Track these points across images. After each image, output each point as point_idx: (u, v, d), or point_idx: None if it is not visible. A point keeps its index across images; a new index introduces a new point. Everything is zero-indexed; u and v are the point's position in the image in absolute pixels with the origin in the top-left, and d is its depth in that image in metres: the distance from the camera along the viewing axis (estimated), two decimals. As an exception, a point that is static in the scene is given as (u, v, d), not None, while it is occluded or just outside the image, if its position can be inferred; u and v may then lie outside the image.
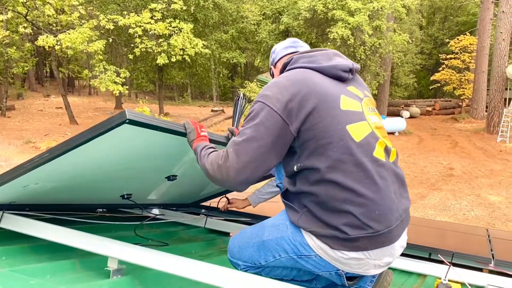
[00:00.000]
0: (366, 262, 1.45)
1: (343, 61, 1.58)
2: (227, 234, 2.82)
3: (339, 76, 1.55)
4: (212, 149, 1.60)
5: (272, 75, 1.88)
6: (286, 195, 1.60)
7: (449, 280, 1.98)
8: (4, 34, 14.99)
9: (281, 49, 1.82)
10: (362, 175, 1.41)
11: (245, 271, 1.64)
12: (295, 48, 1.79)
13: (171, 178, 2.31)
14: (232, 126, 2.04)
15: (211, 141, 1.76)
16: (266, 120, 1.41)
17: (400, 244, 1.51)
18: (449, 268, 2.06)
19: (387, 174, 1.47)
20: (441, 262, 2.25)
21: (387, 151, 1.52)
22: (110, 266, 1.72)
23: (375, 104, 1.69)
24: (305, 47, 1.82)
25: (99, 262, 1.80)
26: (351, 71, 1.58)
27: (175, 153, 2.05)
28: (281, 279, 1.64)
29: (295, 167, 1.48)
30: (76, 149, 1.57)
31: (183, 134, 1.74)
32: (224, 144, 1.97)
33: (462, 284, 1.99)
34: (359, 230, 1.39)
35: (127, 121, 1.44)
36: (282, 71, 1.65)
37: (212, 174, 1.48)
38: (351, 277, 1.59)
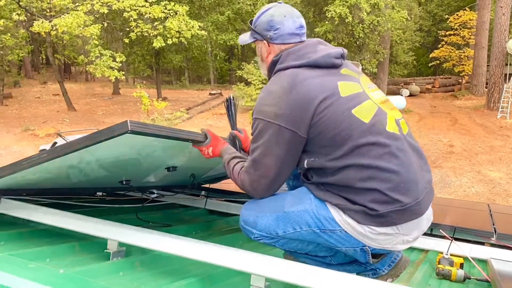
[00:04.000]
0: (395, 237, 1.44)
1: (332, 48, 1.57)
2: (227, 215, 2.81)
3: (332, 64, 1.52)
4: (238, 161, 1.63)
5: (254, 38, 1.69)
6: (304, 176, 1.58)
7: (451, 255, 1.97)
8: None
9: (286, 33, 1.60)
10: (380, 151, 1.39)
11: (259, 240, 1.60)
12: (299, 37, 1.61)
13: (170, 169, 2.27)
14: (232, 129, 2.00)
15: None
16: (274, 136, 1.43)
17: (427, 217, 1.50)
18: (451, 242, 2.05)
19: (405, 147, 1.46)
20: (443, 237, 2.24)
21: (398, 123, 1.50)
22: (109, 248, 1.71)
23: (370, 80, 1.67)
24: (305, 32, 1.67)
25: (99, 245, 1.79)
26: (342, 56, 1.57)
27: (177, 153, 2.02)
28: (295, 252, 1.63)
29: (305, 163, 1.48)
30: (75, 152, 1.54)
31: (186, 140, 1.70)
32: None
33: (465, 258, 1.99)
34: (387, 205, 1.38)
35: (129, 131, 1.39)
36: (271, 67, 1.61)
37: (247, 192, 1.58)
38: (375, 255, 1.58)
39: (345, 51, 1.60)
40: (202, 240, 1.66)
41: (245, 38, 1.73)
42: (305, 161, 1.48)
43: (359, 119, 1.41)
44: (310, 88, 1.43)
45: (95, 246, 1.82)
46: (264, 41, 1.64)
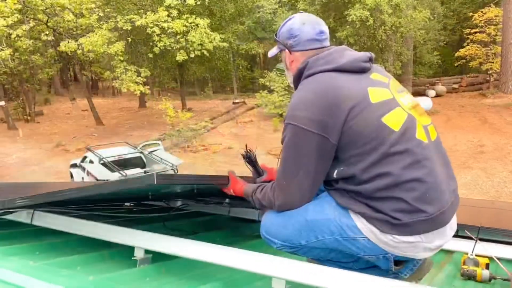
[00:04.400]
0: (417, 245, 1.42)
1: (360, 53, 1.55)
2: (251, 222, 2.85)
3: (361, 68, 1.50)
4: (260, 187, 1.63)
5: (278, 49, 1.71)
6: (327, 183, 1.56)
7: (476, 255, 1.94)
8: (28, 43, 15.37)
9: (305, 40, 1.61)
10: (409, 160, 1.38)
11: (280, 249, 1.60)
12: (320, 42, 1.61)
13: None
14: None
15: None
16: (305, 143, 1.42)
17: (451, 226, 1.47)
18: (475, 243, 2.02)
19: (432, 155, 1.44)
20: (468, 237, 2.21)
21: (426, 130, 1.48)
22: (136, 256, 1.78)
23: (399, 83, 1.63)
24: (327, 38, 1.67)
25: (127, 252, 1.86)
26: (370, 60, 1.55)
27: None
28: (317, 259, 1.63)
29: (334, 174, 1.47)
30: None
31: (210, 185, 1.81)
32: None
33: (490, 258, 1.95)
34: (412, 214, 1.37)
35: (155, 183, 1.45)
36: (298, 76, 1.60)
37: (283, 205, 1.54)
38: (397, 262, 1.56)
39: (373, 54, 1.57)
40: (227, 246, 1.70)
41: (272, 50, 1.75)
42: (335, 171, 1.46)
43: (389, 127, 1.39)
44: (341, 93, 1.41)
45: (122, 254, 1.90)
46: (286, 50, 1.66)
